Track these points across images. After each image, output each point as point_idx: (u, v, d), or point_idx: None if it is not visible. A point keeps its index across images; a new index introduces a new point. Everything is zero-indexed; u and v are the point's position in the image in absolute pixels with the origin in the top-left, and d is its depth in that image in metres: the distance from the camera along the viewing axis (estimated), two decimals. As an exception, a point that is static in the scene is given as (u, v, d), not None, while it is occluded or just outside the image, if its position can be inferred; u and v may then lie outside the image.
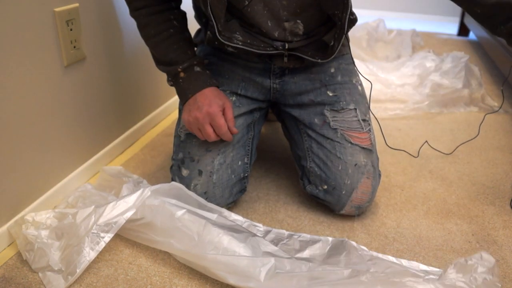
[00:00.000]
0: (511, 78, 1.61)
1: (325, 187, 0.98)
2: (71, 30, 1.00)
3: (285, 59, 0.97)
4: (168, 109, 1.54)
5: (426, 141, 1.33)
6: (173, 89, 1.56)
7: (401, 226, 0.99)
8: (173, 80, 0.97)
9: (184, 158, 0.99)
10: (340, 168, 0.96)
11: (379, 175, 1.01)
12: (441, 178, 1.18)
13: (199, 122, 0.92)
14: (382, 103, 1.62)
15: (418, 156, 1.23)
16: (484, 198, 1.10)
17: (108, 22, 1.14)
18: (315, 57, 0.95)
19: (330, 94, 1.01)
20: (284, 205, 1.06)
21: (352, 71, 1.05)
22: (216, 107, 0.91)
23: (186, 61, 0.95)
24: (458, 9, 3.33)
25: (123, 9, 1.20)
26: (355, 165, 0.96)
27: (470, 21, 2.41)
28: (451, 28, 3.08)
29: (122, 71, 1.23)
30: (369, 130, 0.99)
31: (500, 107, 1.38)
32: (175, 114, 1.55)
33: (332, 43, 0.92)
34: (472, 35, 2.74)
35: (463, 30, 2.75)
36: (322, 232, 0.97)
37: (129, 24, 1.23)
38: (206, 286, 0.82)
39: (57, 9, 0.95)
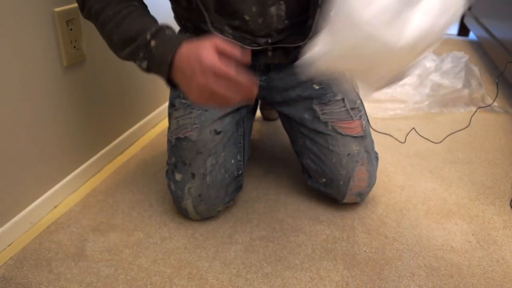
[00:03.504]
0: (511, 78, 1.61)
1: (324, 180, 1.00)
2: (71, 30, 1.00)
3: (269, 54, 0.97)
4: (168, 109, 1.54)
5: (413, 128, 1.31)
6: (173, 89, 1.56)
7: (401, 226, 0.99)
8: (148, 57, 0.78)
9: (177, 162, 0.98)
10: (334, 160, 0.97)
11: (376, 157, 1.01)
12: (441, 178, 1.18)
13: (205, 88, 0.70)
14: (382, 103, 1.62)
15: (405, 142, 1.21)
16: (484, 198, 1.10)
17: (108, 22, 1.14)
18: (296, 42, 0.95)
19: (317, 88, 1.01)
20: (284, 205, 1.06)
21: None
22: (207, 53, 0.69)
23: (155, 26, 0.79)
24: (458, 9, 3.32)
25: (123, 9, 1.20)
26: (348, 154, 0.97)
27: (470, 21, 2.41)
28: (451, 28, 3.08)
29: (122, 71, 1.23)
30: (360, 116, 0.99)
31: (494, 100, 1.37)
32: (175, 114, 1.55)
33: (309, 22, 0.92)
34: (472, 35, 2.74)
35: (463, 30, 2.75)
36: (322, 232, 0.97)
37: (129, 24, 1.23)
38: (206, 286, 0.82)
39: (57, 9, 0.95)
